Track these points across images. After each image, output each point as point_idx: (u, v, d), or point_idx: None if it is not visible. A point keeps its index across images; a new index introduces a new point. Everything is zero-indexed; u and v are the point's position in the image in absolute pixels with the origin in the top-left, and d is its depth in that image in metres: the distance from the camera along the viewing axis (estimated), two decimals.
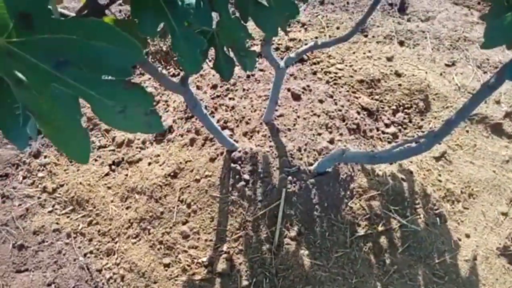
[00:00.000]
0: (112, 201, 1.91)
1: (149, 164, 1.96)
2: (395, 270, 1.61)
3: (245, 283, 1.60)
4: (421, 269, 1.61)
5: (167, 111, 2.21)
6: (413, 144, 1.39)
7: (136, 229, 1.79)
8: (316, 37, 2.43)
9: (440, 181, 1.86)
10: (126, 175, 1.98)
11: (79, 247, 1.80)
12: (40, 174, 1.99)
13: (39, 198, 1.92)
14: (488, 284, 1.61)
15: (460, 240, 1.72)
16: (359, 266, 1.61)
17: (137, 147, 2.08)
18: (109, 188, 1.96)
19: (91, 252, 1.78)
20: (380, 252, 1.65)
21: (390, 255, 1.64)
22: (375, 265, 1.62)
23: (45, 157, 2.05)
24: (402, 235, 1.68)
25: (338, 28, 2.46)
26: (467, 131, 2.03)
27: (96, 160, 2.07)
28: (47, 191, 1.94)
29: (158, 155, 1.97)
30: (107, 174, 2.01)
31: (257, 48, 2.31)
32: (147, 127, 0.76)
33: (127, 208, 1.87)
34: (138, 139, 2.10)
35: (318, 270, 1.59)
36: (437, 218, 1.75)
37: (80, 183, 1.94)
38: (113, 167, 2.04)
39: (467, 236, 1.74)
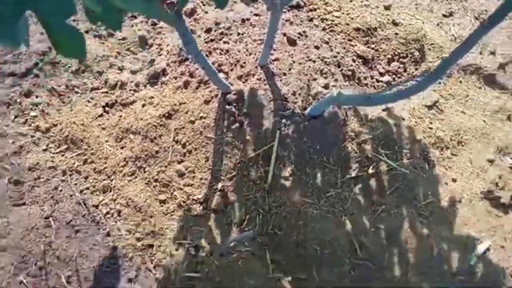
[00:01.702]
0: (106, 141, 1.94)
1: (143, 105, 1.98)
2: (383, 210, 1.70)
3: (239, 219, 1.68)
4: (407, 210, 1.70)
5: (160, 55, 2.21)
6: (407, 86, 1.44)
7: (131, 167, 1.83)
8: None
9: (431, 128, 1.92)
10: (120, 116, 2.00)
11: (75, 184, 1.84)
12: (32, 113, 2.00)
13: (32, 136, 1.94)
14: (470, 224, 1.71)
15: (446, 184, 1.80)
16: (349, 205, 1.69)
17: (130, 90, 2.09)
18: (103, 128, 1.99)
19: (87, 189, 1.83)
20: (369, 193, 1.72)
21: (378, 196, 1.72)
22: (364, 205, 1.71)
23: (36, 96, 2.05)
24: (391, 178, 1.75)
25: None
26: (460, 82, 2.08)
27: (89, 102, 2.07)
28: (40, 130, 1.95)
29: (152, 97, 1.99)
30: (100, 115, 2.03)
31: None
32: None
33: (121, 148, 1.90)
34: (132, 82, 2.11)
35: (310, 207, 1.67)
36: (426, 163, 1.82)
37: (74, 122, 1.95)
38: (106, 108, 2.06)
39: (454, 180, 1.82)
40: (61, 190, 1.82)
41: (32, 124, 1.97)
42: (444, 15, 2.27)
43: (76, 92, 2.10)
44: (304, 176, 1.73)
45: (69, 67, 2.16)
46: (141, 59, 2.21)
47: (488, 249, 1.66)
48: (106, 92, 2.10)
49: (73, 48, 0.85)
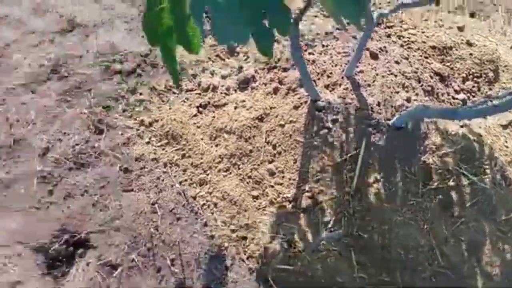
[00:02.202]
0: (202, 139, 1.87)
1: (235, 108, 1.90)
2: (462, 222, 1.56)
3: (326, 219, 1.58)
4: (486, 223, 1.56)
5: (247, 62, 2.11)
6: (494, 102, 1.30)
7: (226, 164, 1.76)
8: None
9: (507, 147, 1.76)
10: (213, 116, 1.92)
11: (175, 176, 1.78)
12: (137, 109, 1.95)
13: (137, 130, 1.90)
14: None
15: None
16: (429, 214, 1.56)
17: (221, 93, 2.01)
18: (198, 127, 1.92)
19: (185, 181, 1.77)
20: (449, 205, 1.59)
21: (458, 208, 1.58)
22: (444, 215, 1.57)
23: (140, 94, 2.00)
24: (471, 191, 1.61)
25: None
26: None
27: (184, 102, 2.01)
28: (144, 124, 1.91)
29: (244, 101, 1.90)
30: (195, 115, 1.96)
31: None
32: None
33: (216, 146, 1.83)
34: (222, 86, 2.03)
35: (393, 214, 1.55)
36: (503, 181, 1.67)
37: (174, 119, 1.90)
38: (200, 109, 1.98)
39: None
40: (163, 180, 1.77)
41: (137, 118, 1.92)
42: None
43: (173, 93, 2.04)
44: (387, 183, 1.61)
45: (167, 69, 2.10)
46: (230, 65, 2.12)
47: None
48: (200, 94, 2.03)
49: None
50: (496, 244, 1.51)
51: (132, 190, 1.73)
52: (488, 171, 1.65)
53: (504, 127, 1.80)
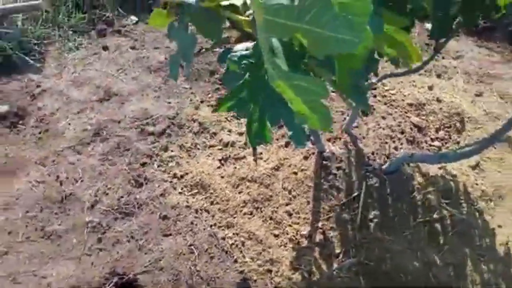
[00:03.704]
0: (226, 187, 2.20)
1: (255, 160, 2.26)
2: (447, 249, 1.90)
3: (337, 251, 1.89)
4: (466, 248, 1.90)
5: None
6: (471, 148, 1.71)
7: (249, 208, 2.08)
8: None
9: (476, 184, 2.14)
10: (235, 167, 2.27)
11: (206, 220, 2.09)
12: (170, 164, 2.29)
13: (171, 182, 2.22)
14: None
15: (494, 229, 2.00)
16: (421, 243, 1.90)
17: (239, 147, 2.38)
18: (222, 177, 2.26)
19: (214, 225, 2.07)
20: (435, 234, 1.93)
21: (443, 237, 1.93)
22: (432, 244, 1.91)
23: (171, 151, 2.35)
24: (451, 222, 1.96)
25: None
26: (495, 148, 2.32)
27: (208, 156, 2.36)
28: (177, 176, 2.24)
29: (261, 153, 2.27)
30: (219, 167, 2.31)
31: None
32: None
33: (239, 193, 2.16)
34: (240, 142, 2.40)
35: (393, 244, 1.88)
36: (476, 212, 2.03)
37: (202, 172, 2.23)
38: (222, 161, 2.33)
39: (499, 226, 2.02)
40: (196, 225, 2.07)
41: (170, 172, 2.25)
42: (476, 95, 2.55)
43: (198, 149, 2.40)
44: (385, 218, 1.96)
45: (192, 129, 2.47)
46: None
47: None
48: (221, 149, 2.39)
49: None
50: (475, 264, 1.84)
51: (170, 234, 2.02)
52: (464, 204, 2.02)
53: (473, 168, 2.20)
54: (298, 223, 2.00)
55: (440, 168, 2.16)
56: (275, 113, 1.15)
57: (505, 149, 2.33)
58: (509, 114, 2.37)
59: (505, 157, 2.29)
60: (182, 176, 2.25)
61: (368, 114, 1.58)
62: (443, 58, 2.80)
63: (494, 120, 2.42)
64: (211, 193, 2.18)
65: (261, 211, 2.06)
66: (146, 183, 2.20)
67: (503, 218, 2.04)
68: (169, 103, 2.61)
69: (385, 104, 2.47)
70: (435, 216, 1.97)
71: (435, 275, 1.81)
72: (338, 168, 2.07)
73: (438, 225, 1.96)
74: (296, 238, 1.95)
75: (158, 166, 2.28)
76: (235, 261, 1.94)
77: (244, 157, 2.31)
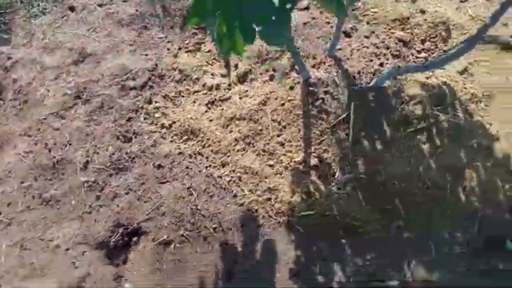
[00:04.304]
0: (216, 129, 2.27)
1: (240, 98, 2.31)
2: (440, 152, 1.99)
3: (333, 171, 1.99)
4: (459, 149, 1.99)
5: (241, 60, 2.53)
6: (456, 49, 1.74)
7: (242, 145, 2.16)
8: None
9: (465, 88, 2.20)
10: (222, 109, 2.33)
11: (200, 163, 2.17)
12: (156, 115, 2.34)
13: (159, 132, 2.28)
14: (503, 151, 1.98)
15: (487, 128, 2.08)
16: (413, 151, 1.99)
17: (224, 89, 2.41)
18: (211, 120, 2.32)
19: (210, 166, 2.16)
20: (428, 140, 2.02)
21: (436, 141, 2.01)
22: (425, 150, 2.00)
23: (155, 102, 2.40)
24: (444, 127, 2.04)
25: None
26: (482, 50, 2.36)
27: (194, 102, 2.41)
28: (165, 126, 2.30)
29: (246, 91, 2.32)
30: (206, 111, 2.36)
31: None
32: None
33: (230, 132, 2.23)
34: (224, 83, 2.43)
35: (386, 155, 1.97)
36: (467, 115, 2.11)
37: (190, 118, 2.29)
38: (209, 105, 2.38)
39: (490, 124, 2.10)
40: (191, 169, 2.15)
41: (158, 123, 2.31)
42: (460, 1, 2.55)
43: (183, 96, 2.44)
44: (377, 132, 2.03)
45: (173, 78, 2.50)
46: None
47: None
48: (206, 93, 2.43)
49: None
50: (468, 163, 1.95)
51: (167, 181, 2.12)
52: (454, 109, 2.09)
53: (461, 73, 2.25)
54: (291, 151, 2.08)
55: (428, 78, 2.21)
56: (245, 18, 1.19)
57: (492, 51, 2.37)
58: None
59: (492, 59, 2.33)
60: (170, 125, 2.31)
61: (344, 19, 1.57)
62: None
63: (481, 23, 2.43)
64: (202, 137, 2.25)
65: (254, 146, 2.14)
66: (135, 137, 2.27)
67: (493, 117, 2.12)
68: (146, 55, 2.61)
69: (368, 23, 2.48)
70: (426, 123, 2.05)
71: (430, 178, 1.92)
72: (326, 92, 2.12)
73: (429, 132, 2.04)
74: (291, 165, 2.04)
75: (145, 119, 2.33)
76: (235, 195, 2.05)
77: (230, 97, 2.36)
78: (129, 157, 2.20)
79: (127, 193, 2.10)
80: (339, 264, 1.78)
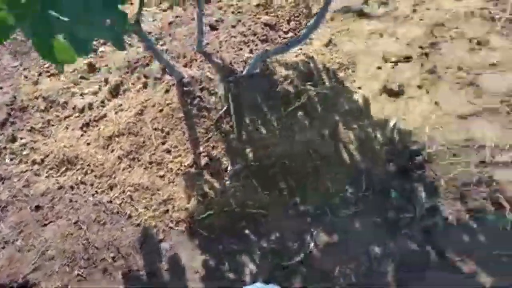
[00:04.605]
0: (96, 152, 2.14)
1: (116, 113, 2.20)
2: (321, 121, 2.12)
3: (224, 166, 2.00)
4: (337, 116, 2.15)
5: (111, 73, 2.41)
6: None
7: (126, 162, 2.06)
8: None
9: (332, 58, 2.38)
10: (99, 129, 2.20)
11: (84, 192, 2.03)
12: (24, 152, 2.13)
13: (31, 170, 2.08)
14: (375, 110, 2.19)
15: (355, 91, 2.28)
16: (297, 126, 2.09)
17: (98, 107, 2.28)
18: (88, 144, 2.17)
19: (96, 192, 2.03)
20: (307, 114, 2.14)
21: (315, 113, 2.14)
22: (306, 124, 2.12)
23: (21, 138, 2.17)
24: (319, 99, 2.18)
25: None
26: (341, 20, 2.57)
27: (67, 128, 2.24)
28: (37, 162, 2.10)
29: (121, 104, 2.22)
30: (82, 135, 2.21)
31: None
32: None
33: (112, 151, 2.11)
34: (96, 101, 2.30)
35: (272, 138, 2.04)
36: (337, 83, 2.28)
37: (65, 146, 2.12)
38: (84, 128, 2.24)
39: (359, 88, 2.30)
40: (76, 201, 2.00)
41: (28, 161, 2.10)
42: None
43: (52, 125, 2.25)
44: (259, 118, 2.10)
45: (38, 107, 2.29)
46: (96, 81, 2.40)
47: (395, 123, 2.16)
48: (78, 116, 2.28)
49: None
50: (346, 128, 2.11)
51: (50, 222, 1.94)
52: (325, 80, 2.25)
53: (326, 45, 2.43)
54: (180, 156, 2.04)
55: (297, 56, 2.34)
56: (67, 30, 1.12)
57: (350, 19, 2.59)
58: None
59: (351, 27, 2.55)
60: (43, 160, 2.11)
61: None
62: None
63: None
64: (82, 164, 2.10)
65: (139, 160, 2.06)
66: (3, 183, 2.04)
67: (360, 80, 2.32)
68: (1, 88, 2.36)
69: (233, 12, 2.54)
70: (303, 99, 2.16)
71: (316, 149, 2.03)
72: (202, 89, 2.12)
73: (306, 106, 2.16)
74: (182, 170, 2.01)
75: (11, 160, 2.11)
76: (129, 216, 1.95)
77: (105, 115, 2.24)
78: (0, 206, 1.97)
79: (3, 247, 1.88)
80: (247, 255, 1.80)
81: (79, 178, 2.06)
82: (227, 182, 1.94)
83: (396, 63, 2.41)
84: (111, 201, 1.99)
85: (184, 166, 2.01)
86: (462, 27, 2.52)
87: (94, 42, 2.52)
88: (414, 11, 2.59)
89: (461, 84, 2.32)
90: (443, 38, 2.49)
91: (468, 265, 1.78)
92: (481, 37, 2.48)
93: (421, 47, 2.45)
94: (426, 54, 2.43)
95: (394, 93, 2.29)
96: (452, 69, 2.38)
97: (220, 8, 2.54)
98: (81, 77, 2.42)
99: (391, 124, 2.16)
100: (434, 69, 2.37)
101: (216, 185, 1.95)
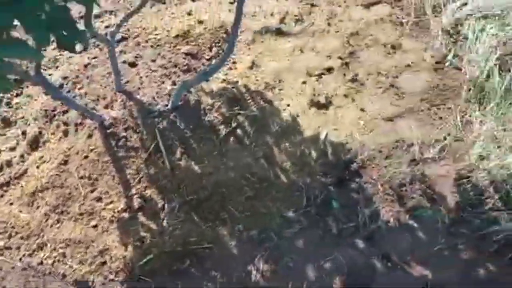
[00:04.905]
0: (20, 211, 2.03)
1: (38, 167, 2.11)
2: (254, 145, 2.17)
3: (159, 205, 1.98)
4: (269, 137, 2.21)
5: (28, 125, 2.32)
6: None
7: (54, 217, 1.98)
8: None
9: (258, 80, 2.46)
10: (21, 186, 2.09)
11: (11, 258, 1.91)
12: None
13: None
14: (305, 125, 2.29)
15: (284, 109, 2.37)
16: (230, 153, 2.13)
17: (17, 163, 2.18)
18: (11, 204, 2.06)
19: (24, 255, 1.91)
20: (240, 139, 2.18)
21: (246, 138, 2.19)
22: (240, 149, 2.16)
23: None
24: (250, 121, 2.24)
25: None
26: (262, 41, 2.68)
27: None
28: None
29: (42, 156, 2.13)
30: (2, 196, 2.09)
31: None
32: None
33: (37, 208, 2.02)
34: (15, 157, 2.20)
35: (206, 168, 2.06)
36: (266, 103, 2.36)
37: None
38: (4, 188, 2.12)
39: (288, 105, 2.39)
40: (1, 269, 1.87)
41: None
42: (230, 2, 2.85)
43: None
44: (191, 150, 2.11)
45: None
46: (13, 136, 2.29)
47: (326, 135, 2.27)
48: None
49: None
50: (279, 147, 2.18)
51: None
52: (252, 102, 2.32)
53: (250, 67, 2.52)
54: (112, 202, 2.00)
55: (222, 82, 2.40)
56: None
57: (270, 40, 2.71)
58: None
59: (271, 45, 2.67)
60: None
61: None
62: None
63: (253, 18, 2.78)
64: (5, 227, 1.99)
65: (68, 213, 1.98)
66: None
67: (288, 97, 2.42)
68: None
69: (152, 47, 2.56)
70: (233, 125, 2.21)
71: (252, 173, 2.08)
72: (126, 129, 2.10)
73: (238, 131, 2.21)
74: (116, 217, 1.96)
75: None
76: (63, 275, 1.86)
77: (26, 170, 2.14)
78: None
79: None
80: None
81: (3, 243, 1.94)
82: (165, 222, 1.92)
83: (320, 76, 2.54)
84: (41, 262, 1.89)
85: (118, 211, 1.96)
86: (375, 34, 2.73)
87: (8, 95, 2.43)
88: (329, 24, 2.76)
89: (383, 88, 2.50)
90: (359, 47, 2.68)
91: (413, 264, 1.89)
92: (394, 42, 2.70)
93: (340, 58, 2.61)
94: (347, 64, 2.60)
95: (322, 105, 2.41)
96: (373, 75, 2.56)
97: (138, 44, 2.55)
98: None
99: (322, 136, 2.26)
100: (355, 77, 2.53)
101: (153, 226, 1.92)
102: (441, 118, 2.37)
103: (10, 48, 1.17)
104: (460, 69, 2.56)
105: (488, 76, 2.43)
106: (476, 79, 2.44)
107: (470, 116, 2.35)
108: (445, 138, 2.24)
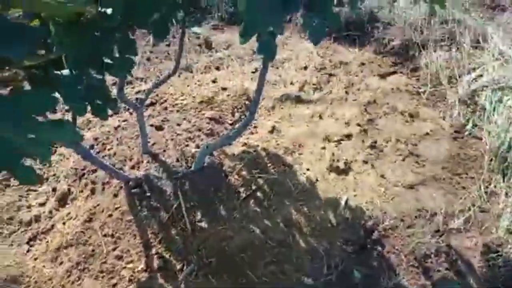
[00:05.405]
0: (44, 266, 2.17)
1: (64, 223, 2.29)
2: (274, 208, 2.31)
3: (179, 266, 2.09)
4: (288, 200, 2.35)
5: (58, 182, 2.55)
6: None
7: (76, 274, 2.11)
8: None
9: (278, 144, 2.67)
10: (47, 241, 2.26)
11: None
12: None
13: None
14: (325, 190, 2.43)
15: (304, 173, 2.53)
16: (250, 215, 2.26)
17: (45, 219, 2.37)
18: (35, 259, 2.22)
19: None
20: (261, 202, 2.33)
21: (267, 200, 2.34)
22: (260, 211, 2.30)
23: None
24: (268, 186, 2.40)
25: None
26: (282, 108, 2.93)
27: (12, 245, 2.28)
28: None
29: (69, 213, 2.32)
30: (28, 251, 2.26)
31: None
32: None
33: (60, 264, 2.16)
34: (44, 213, 2.40)
35: (226, 231, 2.18)
36: (286, 167, 2.53)
37: (8, 265, 2.15)
38: (31, 242, 2.29)
39: (307, 169, 2.56)
40: None
41: None
42: (252, 72, 3.17)
43: None
44: (212, 211, 2.26)
45: None
46: (44, 192, 2.52)
47: (347, 200, 2.39)
48: (24, 231, 2.34)
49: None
50: (298, 211, 2.30)
51: None
52: (274, 166, 2.50)
53: (271, 132, 2.74)
54: (132, 261, 2.12)
55: (243, 145, 2.61)
56: None
57: (290, 106, 2.96)
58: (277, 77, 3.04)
59: (291, 112, 2.91)
60: None
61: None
62: (216, 52, 3.37)
63: (273, 86, 3.06)
64: (28, 281, 2.12)
65: (89, 270, 2.11)
66: None
67: (307, 162, 2.59)
68: None
69: (178, 111, 2.84)
70: (253, 187, 2.38)
71: (272, 237, 2.19)
72: (150, 190, 2.29)
73: (258, 194, 2.36)
74: (135, 277, 2.07)
75: None
76: None
77: (53, 226, 2.33)
78: None
79: None
80: None
81: None
82: (183, 285, 2.02)
83: (339, 141, 2.73)
84: None
85: (137, 271, 2.08)
86: (392, 103, 2.95)
87: None
88: (347, 92, 3.01)
89: (402, 156, 2.65)
90: (377, 115, 2.89)
91: None
92: (412, 110, 2.90)
93: (359, 125, 2.81)
94: (365, 131, 2.79)
95: (342, 171, 2.56)
96: (392, 142, 2.73)
97: (166, 109, 2.84)
98: (28, 189, 2.53)
99: (343, 202, 2.38)
100: (374, 144, 2.70)
101: (171, 286, 2.02)
102: (463, 187, 2.46)
103: (49, 130, 1.28)
104: (480, 139, 2.70)
105: (509, 147, 2.55)
106: (497, 150, 2.56)
107: (494, 186, 2.43)
108: (469, 209, 2.31)
